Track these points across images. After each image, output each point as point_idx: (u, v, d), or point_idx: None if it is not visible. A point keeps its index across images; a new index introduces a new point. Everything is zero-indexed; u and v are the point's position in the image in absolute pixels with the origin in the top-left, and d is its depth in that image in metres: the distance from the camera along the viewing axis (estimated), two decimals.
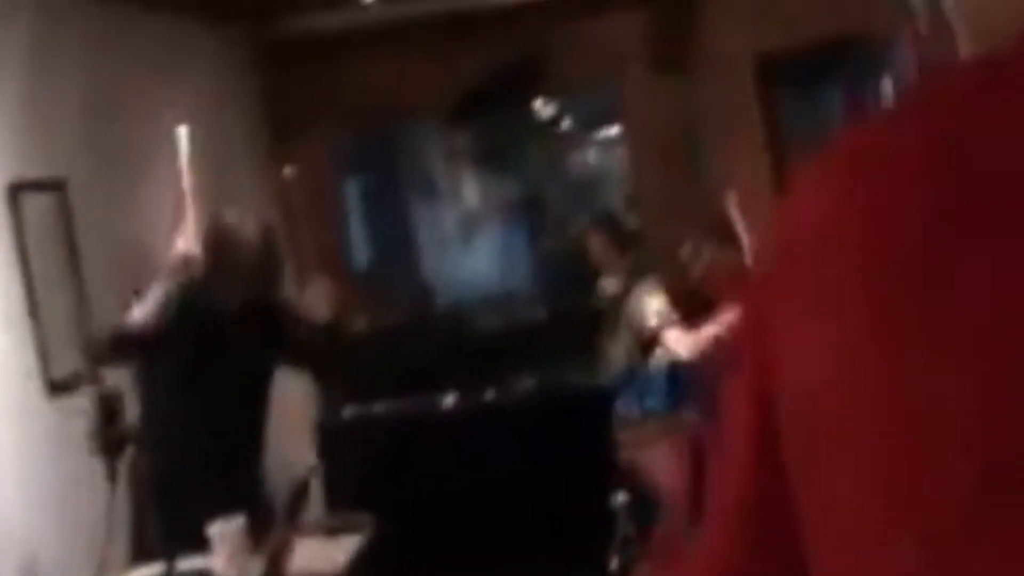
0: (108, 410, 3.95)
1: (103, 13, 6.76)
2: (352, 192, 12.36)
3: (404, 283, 12.89)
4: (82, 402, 5.87)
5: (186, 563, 4.08)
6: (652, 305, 6.30)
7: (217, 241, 4.65)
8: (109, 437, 3.97)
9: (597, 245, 8.30)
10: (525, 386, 7.62)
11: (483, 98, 9.57)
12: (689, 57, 9.01)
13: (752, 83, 8.85)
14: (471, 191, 16.60)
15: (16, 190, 5.62)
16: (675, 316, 6.27)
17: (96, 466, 5.93)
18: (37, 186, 5.81)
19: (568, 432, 6.87)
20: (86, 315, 6.06)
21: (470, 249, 16.67)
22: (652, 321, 6.26)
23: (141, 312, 4.57)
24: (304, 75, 8.92)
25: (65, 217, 6.03)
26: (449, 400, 7.34)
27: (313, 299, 4.88)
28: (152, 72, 7.36)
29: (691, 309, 6.38)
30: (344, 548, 4.02)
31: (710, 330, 6.15)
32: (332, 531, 3.99)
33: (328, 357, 5.03)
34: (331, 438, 6.89)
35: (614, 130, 16.70)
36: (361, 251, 12.49)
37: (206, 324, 4.66)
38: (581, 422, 6.65)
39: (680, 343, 6.20)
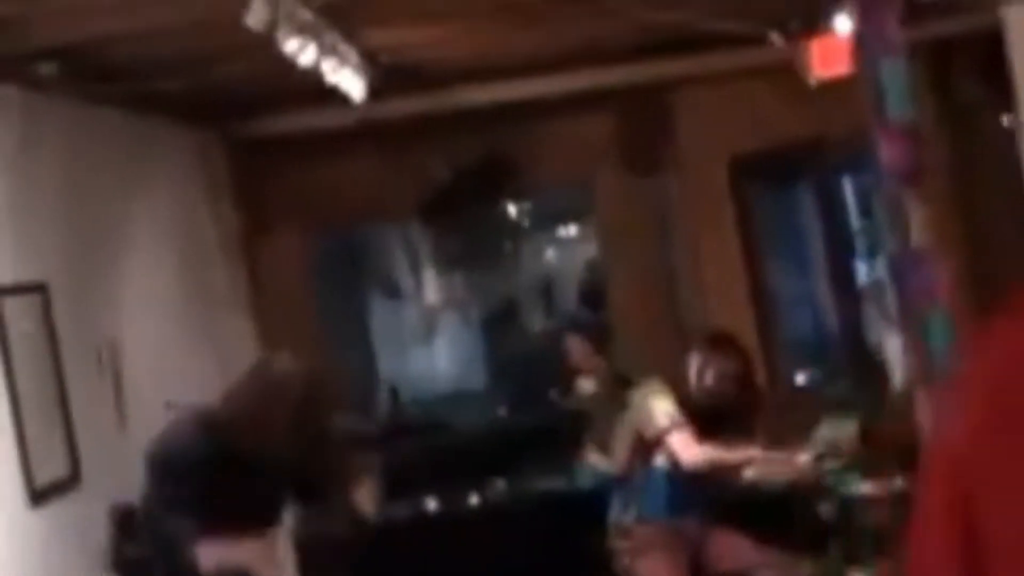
0: (124, 524, 3.89)
1: (82, 115, 6.75)
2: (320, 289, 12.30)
3: (365, 380, 12.84)
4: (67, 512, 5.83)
5: None
6: (661, 406, 6.27)
7: (261, 391, 4.58)
8: (125, 555, 3.92)
9: (575, 346, 8.33)
10: (512, 489, 7.59)
11: (452, 198, 9.59)
12: (662, 158, 9.06)
13: (725, 182, 8.91)
14: (433, 290, 16.59)
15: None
16: (683, 420, 6.22)
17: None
18: (19, 290, 5.74)
19: (562, 536, 6.83)
20: (70, 421, 6.00)
21: (430, 347, 16.66)
22: (662, 422, 6.22)
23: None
24: (276, 175, 8.94)
25: (47, 321, 5.96)
26: (432, 505, 7.31)
27: (363, 499, 4.87)
28: (129, 172, 7.35)
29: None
30: None
31: (720, 452, 6.14)
32: None
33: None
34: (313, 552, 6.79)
35: (573, 230, 16.82)
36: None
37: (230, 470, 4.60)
38: (573, 526, 6.60)
39: (687, 449, 6.15)
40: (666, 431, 6.19)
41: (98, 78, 6.47)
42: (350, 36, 6.42)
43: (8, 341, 5.53)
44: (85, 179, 6.69)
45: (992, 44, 8.48)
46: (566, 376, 8.43)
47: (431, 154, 9.20)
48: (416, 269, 16.17)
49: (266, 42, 5.46)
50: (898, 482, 6.18)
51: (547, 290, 16.25)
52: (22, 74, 5.89)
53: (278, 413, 4.52)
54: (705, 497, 6.29)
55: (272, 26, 5.00)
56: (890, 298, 7.54)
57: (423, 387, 14.29)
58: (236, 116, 8.44)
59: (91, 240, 6.70)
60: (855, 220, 8.73)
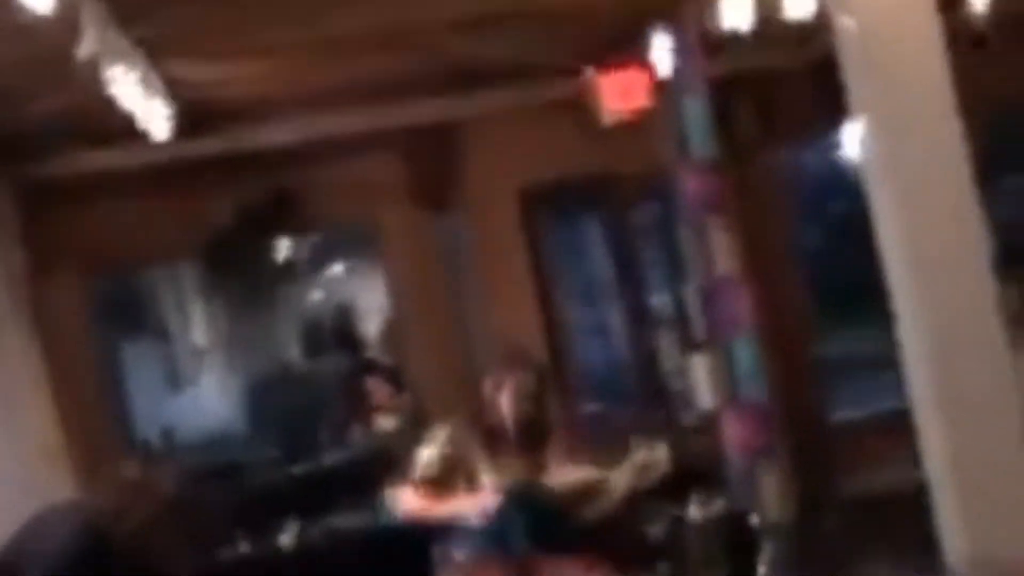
0: None
1: None
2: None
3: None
4: None
5: None
6: (419, 456, 6.26)
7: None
8: None
9: (377, 387, 8.35)
10: (322, 529, 7.51)
11: (234, 238, 9.47)
12: (451, 194, 9.10)
13: (516, 216, 8.99)
14: (201, 331, 16.39)
15: None
16: (423, 474, 6.19)
17: None
18: None
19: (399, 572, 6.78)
20: None
21: (195, 388, 16.44)
22: (412, 470, 6.24)
23: None
24: (61, 216, 8.73)
25: None
26: (244, 549, 7.20)
27: None
28: None
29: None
30: None
31: (432, 510, 6.13)
32: None
33: None
34: None
35: (339, 268, 16.79)
36: None
37: None
38: (407, 564, 6.55)
39: (402, 501, 6.20)
40: (410, 482, 6.21)
41: None
42: (156, 68, 6.34)
43: None
44: None
45: (767, 84, 8.78)
46: (364, 415, 8.41)
47: (216, 195, 9.07)
48: (183, 310, 15.96)
49: (63, 77, 5.35)
50: (719, 503, 6.30)
51: (331, 326, 16.16)
52: None
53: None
54: (525, 526, 6.29)
55: (96, 57, 4.89)
56: (695, 325, 7.75)
57: (189, 430, 14.04)
58: (24, 157, 8.22)
59: None
60: (648, 252, 8.89)
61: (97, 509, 4.38)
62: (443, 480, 6.15)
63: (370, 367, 9.66)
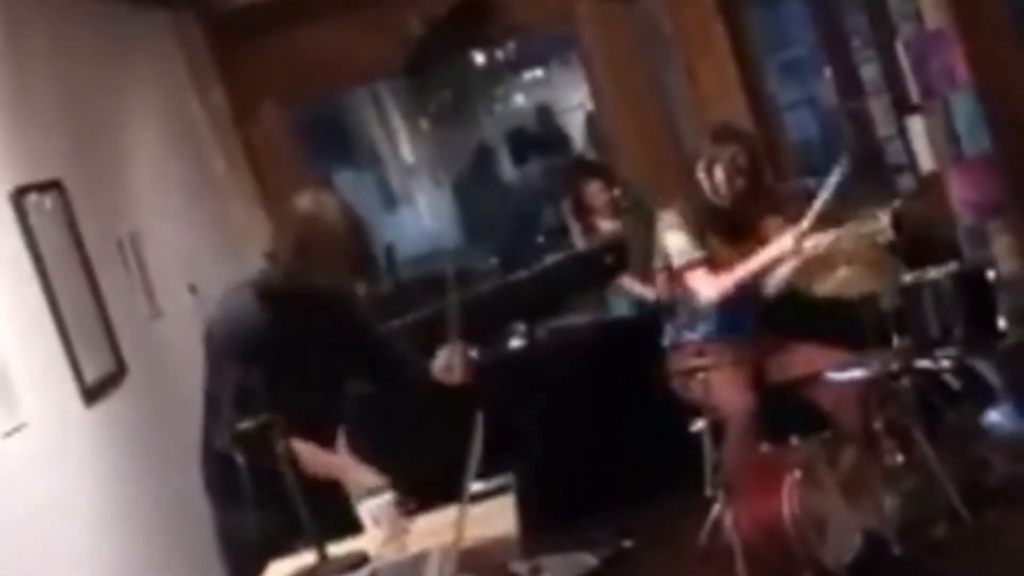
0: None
1: (63, 10, 6.55)
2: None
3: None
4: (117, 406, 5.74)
5: (339, 548, 3.93)
6: (674, 244, 6.13)
7: (304, 230, 4.31)
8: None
9: (591, 189, 8.28)
10: (553, 328, 7.53)
11: (430, 51, 9.38)
12: None
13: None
14: (408, 149, 16.46)
15: (20, 194, 5.39)
16: (698, 254, 6.07)
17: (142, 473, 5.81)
18: (37, 188, 5.58)
19: (629, 364, 6.79)
20: (106, 315, 5.88)
21: (410, 206, 16.57)
22: (677, 262, 6.11)
23: None
24: (255, 47, 8.76)
25: (69, 217, 5.81)
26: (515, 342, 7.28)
27: (445, 365, 4.61)
28: (116, 65, 7.18)
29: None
30: (505, 509, 3.89)
31: (736, 273, 6.01)
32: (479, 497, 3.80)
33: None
34: None
35: (538, 72, 16.64)
36: None
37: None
38: (638, 354, 6.54)
39: (704, 286, 6.05)
40: (681, 270, 6.08)
41: None
42: None
43: (36, 240, 5.38)
44: (77, 76, 6.51)
45: None
46: (584, 218, 8.34)
47: (405, 8, 8.99)
48: (389, 130, 16.02)
49: None
50: (951, 265, 6.13)
51: (524, 134, 16.11)
52: None
53: (330, 244, 4.30)
54: (757, 309, 6.21)
55: None
56: (909, 87, 7.46)
57: (409, 246, 14.16)
58: None
59: (92, 135, 6.54)
60: (852, 18, 8.55)
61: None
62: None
63: (583, 168, 9.57)
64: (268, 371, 3.95)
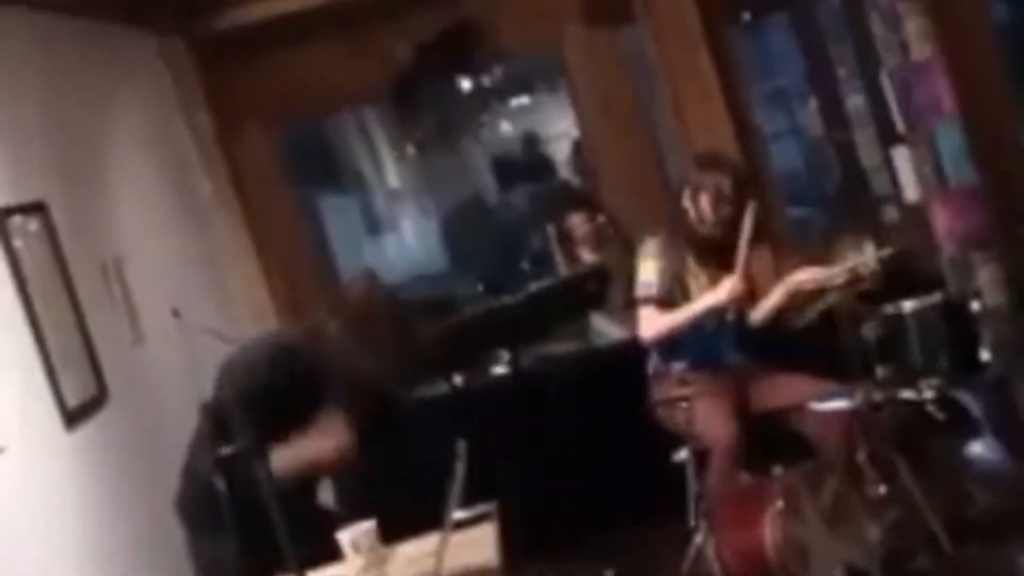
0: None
1: (52, 27, 6.55)
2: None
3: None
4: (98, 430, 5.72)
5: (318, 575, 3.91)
6: (642, 273, 6.15)
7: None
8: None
9: (574, 220, 8.29)
10: (536, 356, 7.52)
11: (417, 76, 9.38)
12: (630, 7, 8.88)
13: (698, 21, 8.73)
14: (394, 174, 16.45)
15: (4, 216, 5.38)
16: (654, 292, 6.08)
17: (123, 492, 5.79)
18: (20, 210, 5.56)
19: (613, 392, 6.79)
20: (89, 339, 5.86)
21: (395, 232, 16.56)
22: (638, 291, 6.14)
23: None
24: (242, 71, 8.76)
25: (52, 239, 5.80)
26: (459, 380, 7.25)
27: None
28: (104, 87, 7.18)
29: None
30: (486, 538, 3.88)
31: (676, 317, 6.02)
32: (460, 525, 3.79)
33: None
34: None
35: (525, 99, 16.65)
36: None
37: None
38: (623, 382, 6.54)
39: (644, 324, 6.08)
40: (637, 301, 6.11)
41: None
42: None
43: (19, 262, 5.37)
44: (64, 97, 6.50)
45: None
46: (568, 248, 8.35)
47: (395, 33, 8.99)
48: (375, 155, 16.02)
49: None
50: (935, 296, 6.13)
51: (509, 160, 16.10)
52: None
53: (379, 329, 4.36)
54: (741, 338, 6.21)
55: None
56: (894, 118, 7.47)
57: (393, 273, 14.15)
58: (195, 13, 8.22)
59: (77, 157, 6.53)
60: (837, 48, 8.59)
61: (290, 330, 4.46)
62: (666, 294, 6.09)
63: (566, 197, 9.59)
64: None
